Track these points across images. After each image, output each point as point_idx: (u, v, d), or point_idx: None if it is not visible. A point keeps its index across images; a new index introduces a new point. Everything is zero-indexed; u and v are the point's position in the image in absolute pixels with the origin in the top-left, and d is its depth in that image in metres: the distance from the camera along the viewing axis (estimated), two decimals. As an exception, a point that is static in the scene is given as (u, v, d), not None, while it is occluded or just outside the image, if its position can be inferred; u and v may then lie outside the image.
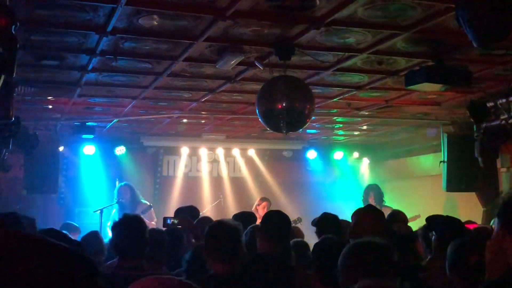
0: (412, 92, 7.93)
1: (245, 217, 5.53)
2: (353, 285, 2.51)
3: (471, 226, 5.56)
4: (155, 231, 4.75)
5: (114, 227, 3.94)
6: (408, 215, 6.72)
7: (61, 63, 6.61)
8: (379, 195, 11.52)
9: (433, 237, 4.40)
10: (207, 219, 5.76)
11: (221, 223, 3.80)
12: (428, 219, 4.72)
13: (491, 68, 6.84)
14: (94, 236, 5.65)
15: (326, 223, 5.16)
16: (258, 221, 5.95)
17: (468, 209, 9.47)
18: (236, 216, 5.56)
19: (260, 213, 9.94)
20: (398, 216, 6.35)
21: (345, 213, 5.94)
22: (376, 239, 2.82)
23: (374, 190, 11.66)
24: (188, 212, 5.91)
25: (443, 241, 3.99)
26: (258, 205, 10.22)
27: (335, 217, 5.36)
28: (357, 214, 4.09)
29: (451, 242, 3.41)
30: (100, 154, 12.16)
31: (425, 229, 4.82)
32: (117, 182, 11.57)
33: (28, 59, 6.37)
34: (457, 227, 4.30)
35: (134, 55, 6.34)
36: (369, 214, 4.08)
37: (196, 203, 6.40)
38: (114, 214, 9.99)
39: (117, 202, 10.09)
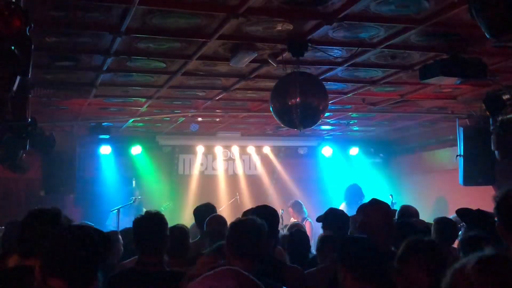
0: (427, 86, 7.88)
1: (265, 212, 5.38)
2: None
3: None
4: (176, 228, 4.70)
5: (136, 223, 3.93)
6: (424, 210, 6.65)
7: (77, 64, 6.67)
8: (359, 196, 11.41)
9: (461, 231, 4.36)
10: (218, 217, 5.58)
11: (245, 220, 3.58)
12: (460, 212, 4.65)
13: (507, 60, 6.77)
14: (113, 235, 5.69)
15: (333, 218, 5.13)
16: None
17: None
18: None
19: (291, 216, 10.46)
20: (409, 210, 6.31)
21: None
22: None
23: (354, 190, 11.64)
24: (204, 210, 5.90)
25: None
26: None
27: (342, 212, 5.34)
28: (363, 209, 4.10)
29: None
30: (116, 154, 12.25)
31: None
32: (133, 182, 11.65)
33: (44, 61, 6.43)
34: (490, 221, 4.28)
35: (148, 55, 6.37)
36: (376, 207, 4.09)
37: (212, 201, 6.38)
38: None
39: (134, 200, 10.20)
